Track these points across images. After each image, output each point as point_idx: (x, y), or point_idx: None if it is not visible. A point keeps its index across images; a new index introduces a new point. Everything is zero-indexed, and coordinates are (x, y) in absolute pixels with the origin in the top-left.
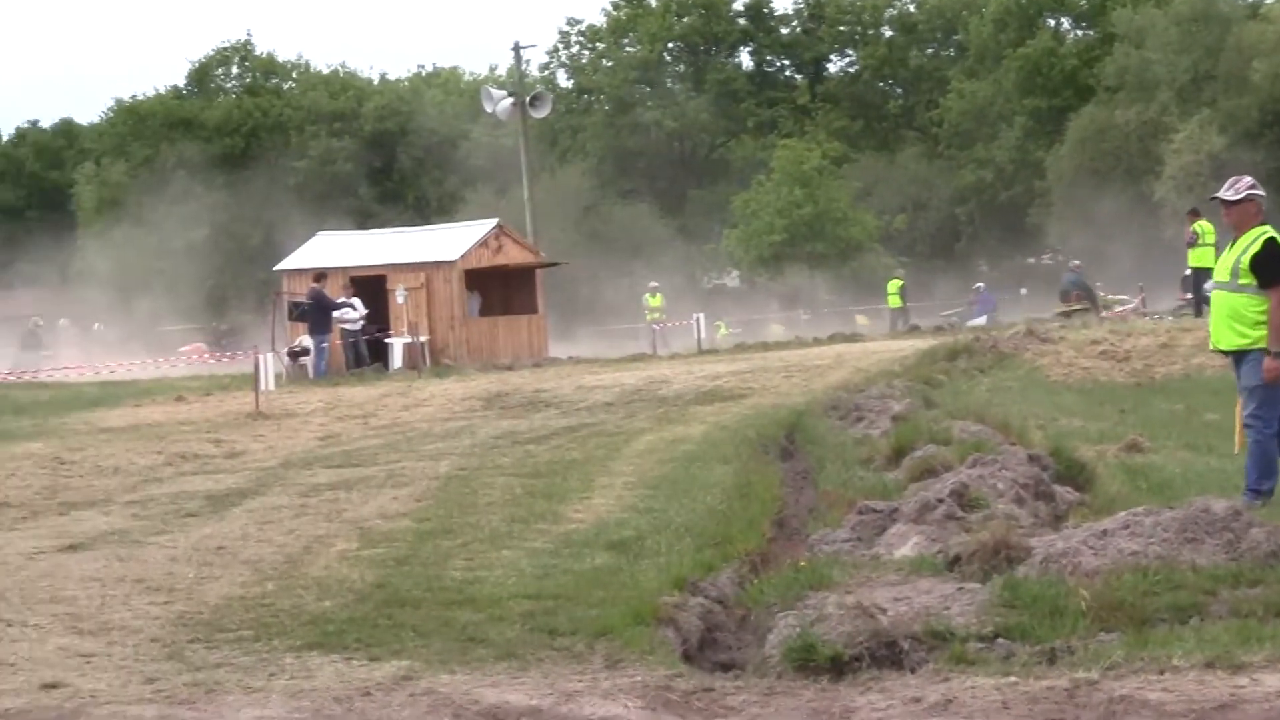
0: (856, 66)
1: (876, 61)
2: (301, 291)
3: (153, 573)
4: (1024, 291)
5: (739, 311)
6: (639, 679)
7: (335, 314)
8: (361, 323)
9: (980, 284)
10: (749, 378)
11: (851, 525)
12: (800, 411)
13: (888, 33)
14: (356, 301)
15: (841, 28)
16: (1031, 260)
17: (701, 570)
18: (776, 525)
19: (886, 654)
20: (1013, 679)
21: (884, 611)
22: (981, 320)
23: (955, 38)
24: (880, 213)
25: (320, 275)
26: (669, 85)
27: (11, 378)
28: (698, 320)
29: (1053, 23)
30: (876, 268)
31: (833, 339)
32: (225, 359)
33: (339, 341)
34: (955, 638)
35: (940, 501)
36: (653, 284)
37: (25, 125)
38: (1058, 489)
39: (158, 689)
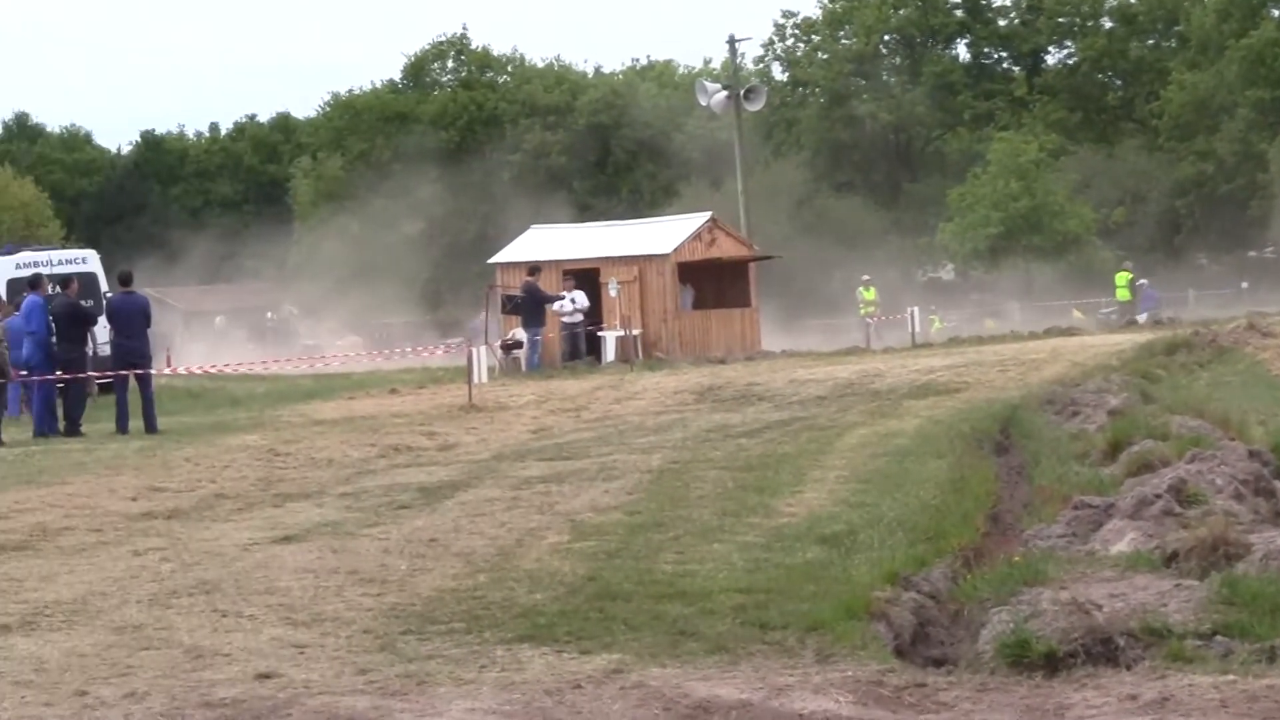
0: (1075, 58)
1: (1096, 53)
2: (515, 285)
3: (365, 564)
4: (1245, 285)
5: (954, 305)
6: (850, 673)
7: (554, 307)
8: (581, 316)
9: (1144, 280)
10: (963, 371)
11: (1066, 520)
12: (1015, 406)
13: (1107, 24)
14: (579, 295)
15: (1060, 19)
16: (1253, 254)
17: (914, 565)
18: (990, 520)
19: (1102, 651)
20: (1231, 677)
21: (1099, 608)
22: (1143, 317)
23: (1176, 28)
24: (1098, 206)
25: (534, 269)
26: (885, 78)
27: (228, 369)
28: (912, 314)
29: (1277, 13)
30: (1094, 261)
31: (1049, 333)
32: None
33: (553, 334)
34: (1172, 635)
35: (1158, 497)
36: (865, 277)
37: (243, 119)
38: (1279, 485)
39: (370, 680)
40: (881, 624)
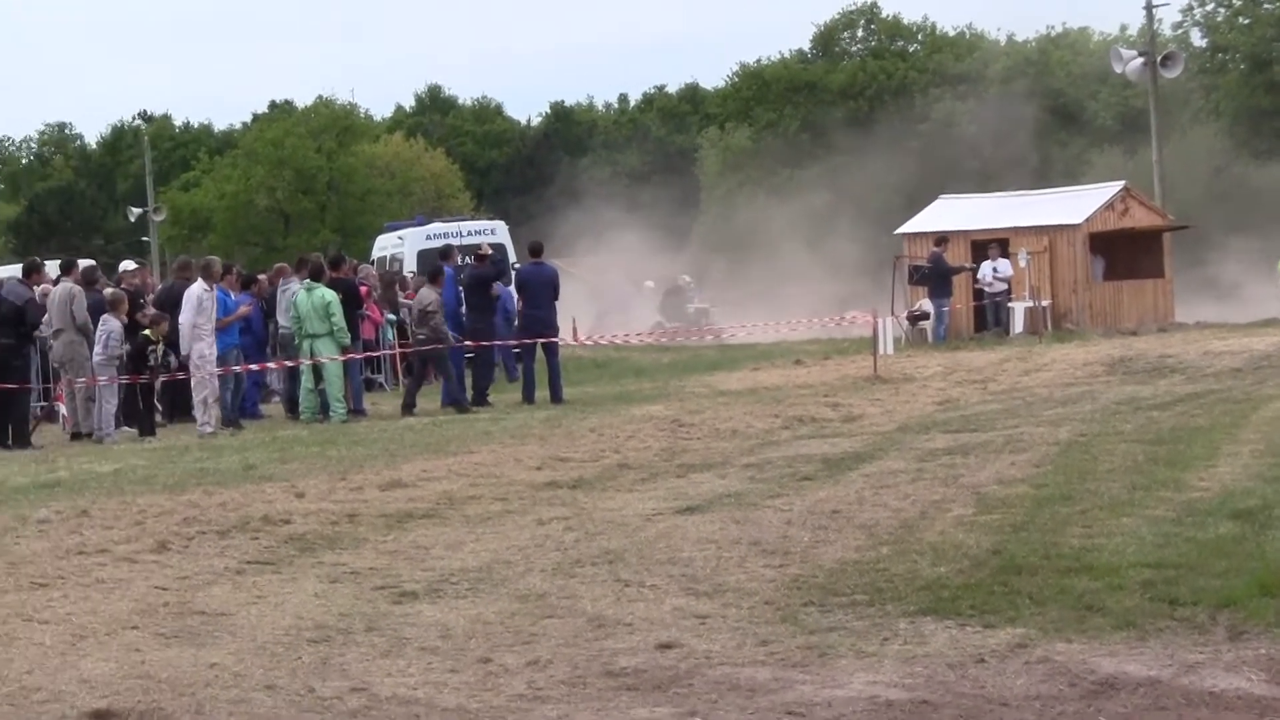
0: None
1: None
2: (922, 255)
3: (767, 535)
4: None
5: None
6: (1263, 651)
7: (979, 276)
8: (1005, 285)
9: None
10: None
11: None
12: None
13: None
14: (1003, 263)
15: None
16: None
17: None
18: None
19: None
20: None
21: None
22: None
23: None
24: None
25: (941, 239)
26: None
27: (632, 340)
28: None
29: None
30: None
31: None
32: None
33: (960, 305)
34: None
35: None
36: None
37: (652, 90)
38: None
39: (771, 651)
40: None
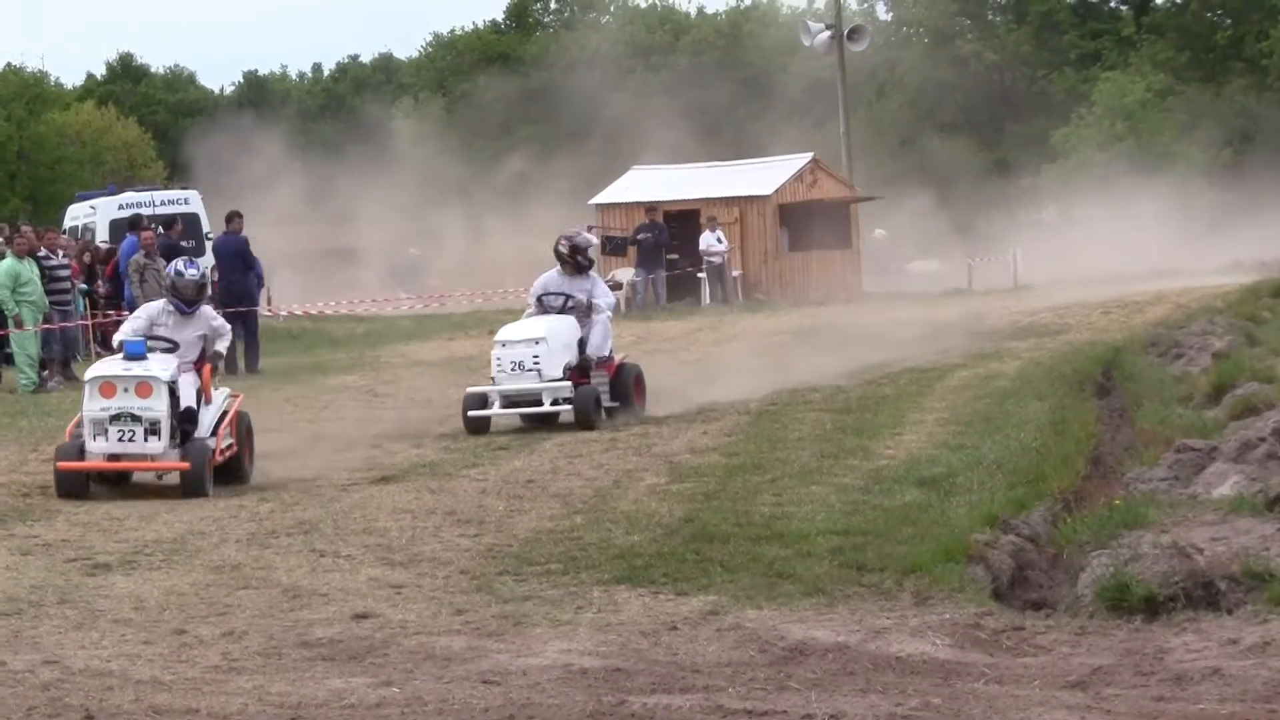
0: None
1: None
2: (616, 226)
3: (463, 505)
4: None
5: (1058, 247)
6: (948, 616)
7: (702, 246)
8: (725, 255)
9: None
10: (1065, 313)
11: (1169, 464)
12: (1118, 348)
13: None
14: (720, 233)
15: None
16: None
17: (1013, 508)
18: (1091, 463)
19: (1202, 595)
20: None
21: (1200, 551)
22: None
23: None
24: (1205, 147)
25: (652, 208)
26: (990, 17)
27: (328, 310)
28: (1014, 255)
29: None
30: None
31: (1154, 275)
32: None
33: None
34: (1275, 579)
35: (1262, 440)
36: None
37: (346, 60)
38: None
39: (466, 620)
40: (980, 567)
